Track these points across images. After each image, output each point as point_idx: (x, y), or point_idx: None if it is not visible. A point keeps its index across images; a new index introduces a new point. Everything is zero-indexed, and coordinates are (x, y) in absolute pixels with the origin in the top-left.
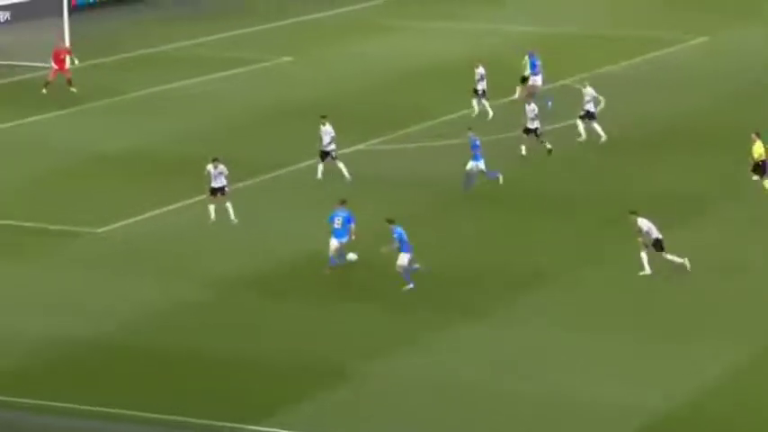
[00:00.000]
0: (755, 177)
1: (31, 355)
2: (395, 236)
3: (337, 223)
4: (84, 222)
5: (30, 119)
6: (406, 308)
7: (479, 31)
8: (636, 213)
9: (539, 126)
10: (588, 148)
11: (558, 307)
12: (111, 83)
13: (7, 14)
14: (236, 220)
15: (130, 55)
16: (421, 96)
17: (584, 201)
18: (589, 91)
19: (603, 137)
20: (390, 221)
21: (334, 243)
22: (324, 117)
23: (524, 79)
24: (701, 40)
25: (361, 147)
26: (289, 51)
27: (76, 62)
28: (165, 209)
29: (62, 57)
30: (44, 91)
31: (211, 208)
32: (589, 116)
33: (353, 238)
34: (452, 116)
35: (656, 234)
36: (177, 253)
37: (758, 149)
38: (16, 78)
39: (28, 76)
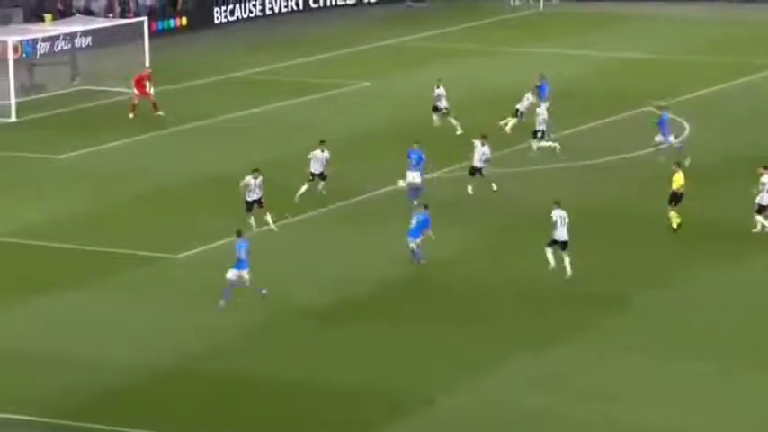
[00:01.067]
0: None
1: (113, 381)
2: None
3: (416, 223)
4: (163, 248)
5: (113, 143)
6: (480, 330)
7: (563, 56)
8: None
9: (483, 167)
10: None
11: (637, 332)
12: (193, 107)
13: (89, 40)
14: (276, 229)
15: (211, 80)
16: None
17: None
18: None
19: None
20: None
21: (411, 242)
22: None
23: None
24: None
25: (439, 174)
26: (367, 77)
27: (151, 89)
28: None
29: (143, 82)
30: (131, 115)
31: (252, 220)
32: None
33: (432, 236)
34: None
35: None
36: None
37: (678, 180)
38: (99, 103)
39: (110, 100)
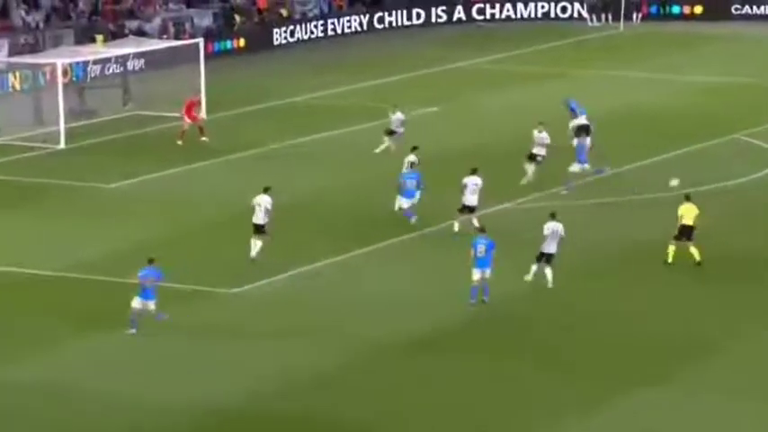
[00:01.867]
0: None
1: (176, 422)
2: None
3: (480, 251)
4: (218, 282)
5: (166, 171)
6: (569, 371)
7: (635, 79)
8: None
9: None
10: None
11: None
12: (253, 133)
13: (141, 63)
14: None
15: (271, 104)
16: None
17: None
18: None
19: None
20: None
21: (476, 273)
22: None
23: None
24: None
25: (508, 205)
26: (434, 101)
27: (201, 114)
28: (302, 269)
29: (193, 108)
30: (179, 142)
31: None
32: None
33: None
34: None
35: None
36: (304, 315)
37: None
38: (152, 129)
39: (164, 126)
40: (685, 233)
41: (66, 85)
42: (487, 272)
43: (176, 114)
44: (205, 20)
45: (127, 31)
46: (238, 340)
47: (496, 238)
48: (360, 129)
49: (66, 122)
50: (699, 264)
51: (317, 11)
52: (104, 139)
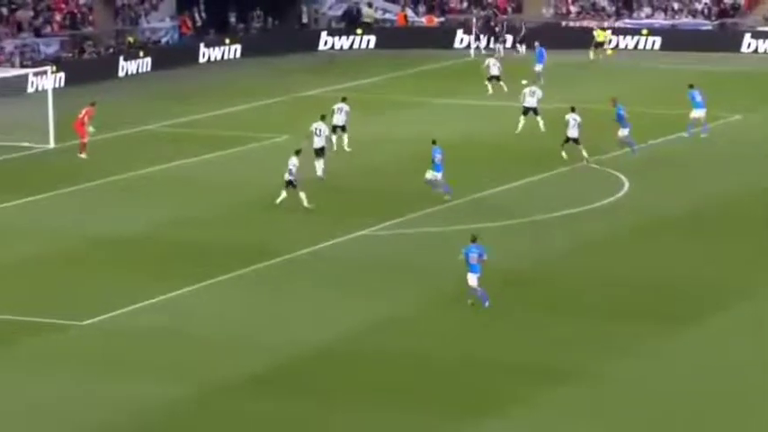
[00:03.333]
0: None
1: None
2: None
3: (473, 260)
4: (67, 315)
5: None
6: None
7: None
8: None
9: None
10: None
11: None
12: (100, 162)
13: None
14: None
15: (123, 132)
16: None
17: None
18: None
19: None
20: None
21: (471, 279)
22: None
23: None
24: None
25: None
26: (285, 129)
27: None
28: (155, 299)
29: (85, 119)
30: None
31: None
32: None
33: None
34: (461, 201)
35: None
36: (160, 349)
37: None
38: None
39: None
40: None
41: None
42: (477, 277)
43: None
44: (52, 47)
45: None
46: (86, 373)
47: (363, 263)
48: (204, 159)
49: None
50: None
51: (167, 39)
52: None
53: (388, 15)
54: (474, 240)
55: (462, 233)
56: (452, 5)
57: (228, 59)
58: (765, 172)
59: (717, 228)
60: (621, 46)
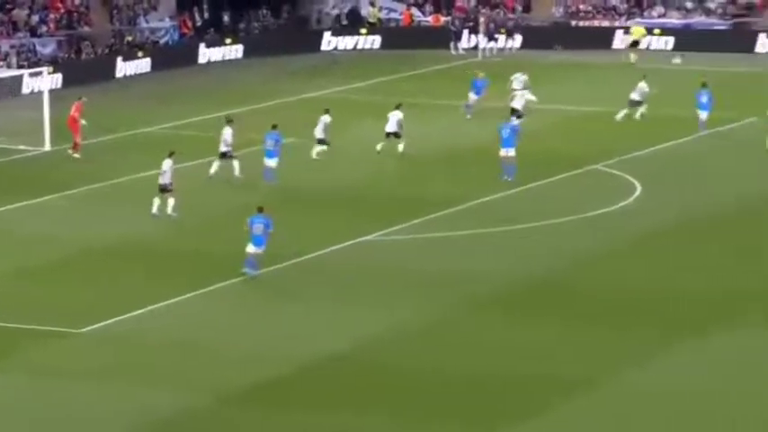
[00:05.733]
0: None
1: None
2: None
3: (257, 230)
4: (61, 322)
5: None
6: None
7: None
8: None
9: None
10: None
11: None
12: (97, 165)
13: None
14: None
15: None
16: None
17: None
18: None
19: None
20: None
21: (251, 248)
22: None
23: None
24: None
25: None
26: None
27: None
28: (153, 306)
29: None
30: (76, 155)
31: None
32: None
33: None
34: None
35: None
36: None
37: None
38: None
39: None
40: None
41: None
42: (260, 249)
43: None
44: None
45: None
46: (87, 381)
47: (361, 271)
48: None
49: None
50: None
51: (167, 39)
52: None
53: (393, 15)
54: (261, 211)
55: (468, 238)
56: (459, 4)
57: (230, 60)
58: None
59: (730, 233)
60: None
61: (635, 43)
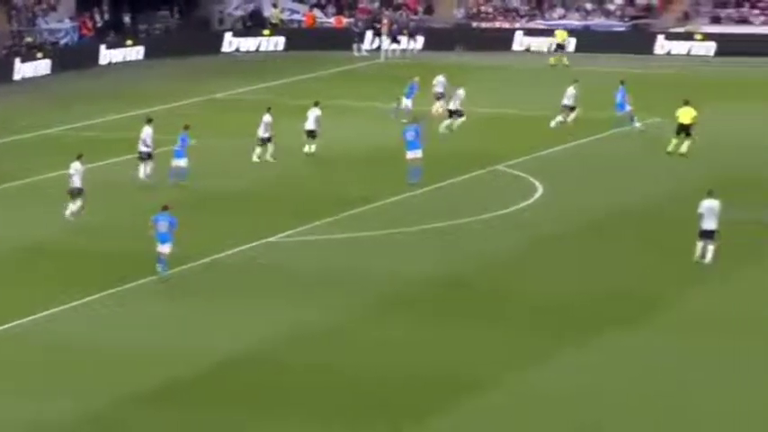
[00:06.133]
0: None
1: None
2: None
3: (162, 227)
4: None
5: None
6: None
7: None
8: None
9: None
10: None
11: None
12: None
13: None
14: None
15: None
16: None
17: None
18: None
19: None
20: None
21: (160, 247)
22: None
23: None
24: None
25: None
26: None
27: None
28: (61, 308)
29: None
30: None
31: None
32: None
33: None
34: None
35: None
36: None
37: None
38: None
39: None
40: (683, 129)
41: None
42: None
43: None
44: None
45: None
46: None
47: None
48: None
49: None
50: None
51: (67, 40)
52: None
53: (295, 16)
54: (165, 209)
55: (374, 238)
56: (362, 6)
57: (131, 61)
58: (683, 176)
59: (633, 233)
60: (533, 48)
61: (560, 46)
